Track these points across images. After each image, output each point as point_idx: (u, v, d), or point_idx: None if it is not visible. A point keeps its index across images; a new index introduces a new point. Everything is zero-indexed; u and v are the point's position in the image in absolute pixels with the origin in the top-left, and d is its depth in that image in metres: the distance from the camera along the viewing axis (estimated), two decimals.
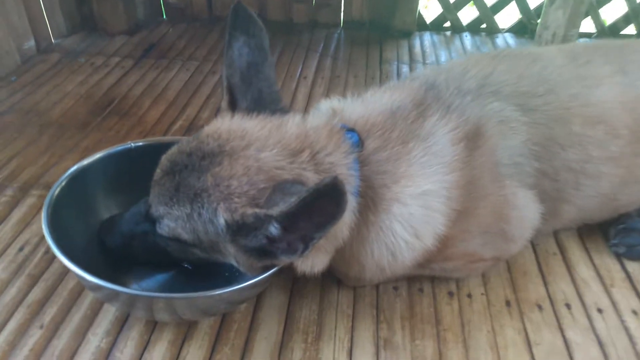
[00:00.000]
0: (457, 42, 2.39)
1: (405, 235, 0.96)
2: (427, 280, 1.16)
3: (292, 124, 0.95)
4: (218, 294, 0.90)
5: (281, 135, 0.92)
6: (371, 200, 0.94)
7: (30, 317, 1.05)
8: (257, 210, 0.82)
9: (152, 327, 1.03)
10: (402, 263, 0.99)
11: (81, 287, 1.10)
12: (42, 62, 2.05)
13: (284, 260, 0.88)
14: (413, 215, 0.95)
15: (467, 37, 2.43)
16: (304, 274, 0.96)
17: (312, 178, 0.88)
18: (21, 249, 1.20)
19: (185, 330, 1.03)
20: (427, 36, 2.43)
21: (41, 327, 1.03)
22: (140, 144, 1.21)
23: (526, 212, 1.07)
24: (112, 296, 0.95)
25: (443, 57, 2.24)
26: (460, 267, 1.12)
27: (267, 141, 0.91)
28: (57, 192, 1.05)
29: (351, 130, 0.98)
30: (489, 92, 1.07)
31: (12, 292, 1.09)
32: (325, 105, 1.11)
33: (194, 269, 1.12)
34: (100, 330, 1.03)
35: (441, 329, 1.06)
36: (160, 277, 1.13)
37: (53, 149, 1.54)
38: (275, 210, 0.78)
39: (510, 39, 2.42)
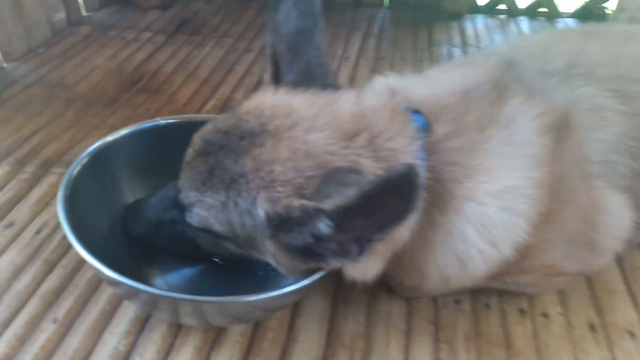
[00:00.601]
0: (512, 26, 2.20)
1: (479, 242, 0.80)
2: (494, 294, 1.01)
3: (345, 101, 0.81)
4: (254, 300, 0.76)
5: (333, 115, 0.78)
6: (439, 196, 0.79)
7: (43, 308, 0.93)
8: (304, 202, 0.68)
9: (177, 330, 0.91)
10: (473, 275, 0.84)
11: (100, 278, 0.98)
12: (72, 34, 1.94)
13: (333, 264, 0.74)
14: (490, 218, 0.79)
15: (523, 22, 2.24)
16: (354, 281, 0.82)
17: (369, 166, 0.74)
18: (38, 232, 1.09)
19: (214, 336, 0.91)
20: (479, 19, 2.24)
21: (54, 321, 0.91)
22: (171, 120, 1.08)
23: (617, 219, 0.90)
24: (132, 294, 0.83)
25: (498, 41, 2.06)
26: (537, 282, 0.95)
27: (316, 121, 0.77)
28: (76, 171, 0.93)
29: (416, 112, 0.83)
30: (578, 74, 0.91)
31: (26, 279, 0.98)
32: (381, 83, 0.96)
33: (225, 264, 0.99)
34: (118, 329, 0.90)
35: (513, 353, 0.91)
36: (187, 272, 1.00)
37: (78, 125, 1.43)
38: (327, 204, 0.64)
39: (572, 25, 2.22)
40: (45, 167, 1.27)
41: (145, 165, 1.07)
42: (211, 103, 1.57)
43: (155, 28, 2.03)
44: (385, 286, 0.99)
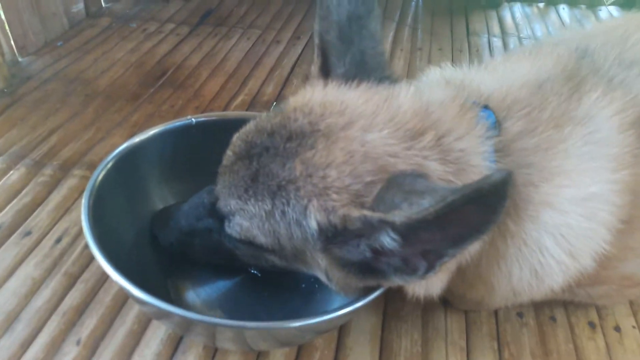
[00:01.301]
0: (552, 14, 2.07)
1: (559, 253, 0.70)
2: (559, 306, 0.91)
3: (406, 96, 0.71)
4: (306, 325, 0.67)
5: (393, 112, 0.68)
6: (512, 203, 0.69)
7: (65, 328, 0.85)
8: (366, 213, 0.58)
9: (213, 351, 0.82)
10: (547, 288, 0.74)
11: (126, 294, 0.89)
12: (91, 26, 1.86)
13: (395, 281, 0.65)
14: (571, 228, 0.69)
15: (563, 10, 2.11)
16: (415, 297, 0.72)
17: (437, 170, 0.64)
18: (58, 241, 1.00)
19: (255, 358, 0.82)
20: (517, 7, 2.12)
21: (78, 342, 0.83)
22: (204, 119, 0.99)
23: None
24: (163, 315, 0.74)
25: (538, 31, 1.94)
26: (612, 293, 0.85)
27: (374, 118, 0.67)
28: (101, 175, 0.84)
29: (485, 107, 0.73)
30: None
31: (46, 294, 0.90)
32: (436, 76, 0.86)
33: (264, 276, 0.90)
34: (149, 351, 0.82)
35: None
36: (222, 284, 0.91)
37: (99, 123, 1.34)
38: (397, 217, 0.54)
39: (615, 13, 2.09)
40: (65, 169, 1.18)
41: (176, 169, 0.98)
42: (240, 98, 1.48)
43: (178, 19, 1.94)
44: (440, 298, 0.89)
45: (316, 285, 0.90)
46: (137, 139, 0.91)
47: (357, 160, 0.63)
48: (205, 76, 1.58)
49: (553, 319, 0.89)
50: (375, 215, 0.57)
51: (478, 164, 0.67)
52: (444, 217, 0.52)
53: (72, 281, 0.92)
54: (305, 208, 0.64)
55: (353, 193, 0.62)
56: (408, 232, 0.56)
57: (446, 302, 0.90)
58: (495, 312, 0.89)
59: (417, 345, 0.84)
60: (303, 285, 0.90)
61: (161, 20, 1.93)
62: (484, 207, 0.52)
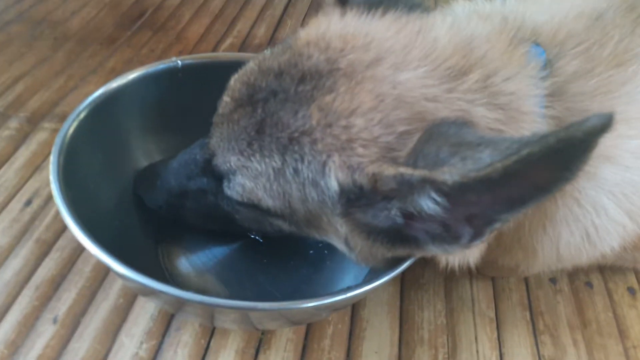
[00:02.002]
0: None
1: (618, 214, 0.60)
2: (595, 270, 0.82)
3: (443, 28, 0.59)
4: (325, 304, 0.56)
5: (430, 46, 0.56)
6: None
7: (39, 304, 0.73)
8: (404, 170, 0.47)
9: (212, 328, 0.72)
10: (598, 253, 0.65)
11: None
12: None
13: (433, 251, 0.54)
14: (634, 185, 0.59)
15: None
16: (449, 268, 0.62)
17: (485, 117, 0.53)
18: (28, 203, 0.88)
19: (259, 335, 0.72)
20: None
21: (54, 320, 0.72)
22: (191, 61, 0.85)
23: None
24: (151, 293, 0.63)
25: None
26: None
27: (407, 54, 0.55)
28: (73, 127, 0.70)
29: (534, 44, 0.61)
30: None
31: (15, 265, 0.78)
32: (465, 12, 0.72)
33: (266, 241, 0.79)
34: (137, 330, 0.71)
35: (629, 346, 0.73)
36: (218, 251, 0.80)
37: (71, 70, 1.19)
38: (449, 174, 0.43)
39: None
40: (34, 122, 1.04)
41: (161, 120, 0.85)
42: (228, 41, 1.33)
43: None
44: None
45: (325, 252, 0.79)
46: (114, 84, 0.78)
47: (389, 106, 0.52)
48: (188, 17, 1.42)
49: (589, 285, 0.80)
50: (417, 173, 0.46)
51: (530, 111, 0.56)
52: (512, 174, 0.40)
53: (45, 249, 0.80)
54: (324, 165, 0.53)
55: (383, 146, 0.51)
56: (458, 194, 0.45)
57: (469, 268, 0.80)
58: (525, 279, 0.80)
59: (441, 316, 0.75)
60: (311, 252, 0.79)
61: None
62: (560, 162, 0.40)
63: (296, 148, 0.54)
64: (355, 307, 0.75)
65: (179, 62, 0.83)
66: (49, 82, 1.15)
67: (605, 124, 0.36)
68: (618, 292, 0.79)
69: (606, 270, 0.82)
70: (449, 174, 0.43)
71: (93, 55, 1.25)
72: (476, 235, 0.50)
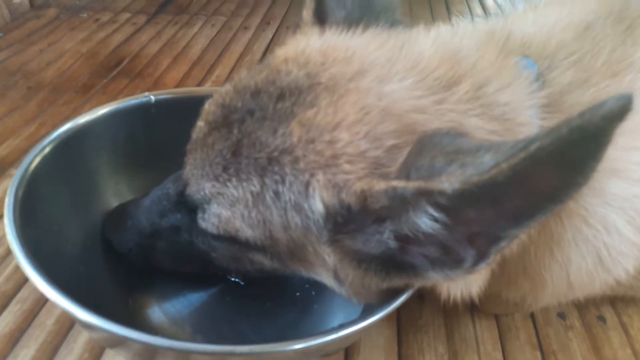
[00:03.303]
0: None
1: (630, 232, 0.55)
2: (606, 303, 0.76)
3: (427, 41, 0.55)
4: (312, 346, 0.49)
5: (415, 58, 0.52)
6: None
7: None
8: (397, 184, 0.42)
9: None
10: (612, 278, 0.59)
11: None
12: (36, 17, 1.65)
13: (433, 278, 0.48)
14: None
15: None
16: (451, 301, 0.56)
17: (481, 129, 0.49)
18: None
19: None
20: None
21: None
22: (165, 96, 0.81)
23: None
24: (117, 342, 0.55)
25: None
26: None
27: (392, 66, 0.51)
28: (35, 163, 0.65)
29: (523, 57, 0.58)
30: None
31: None
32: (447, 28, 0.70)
33: (247, 284, 0.73)
34: None
35: None
36: (195, 298, 0.73)
37: (43, 117, 1.15)
38: (448, 183, 0.38)
39: None
40: (1, 169, 0.98)
41: (133, 158, 0.80)
42: (207, 85, 1.30)
43: (133, 9, 1.74)
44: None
45: (313, 293, 0.73)
46: (82, 119, 0.73)
47: (375, 118, 0.47)
48: (166, 64, 1.39)
49: (602, 319, 0.74)
50: (412, 185, 0.41)
51: (527, 122, 0.52)
52: (520, 177, 0.36)
53: (4, 302, 0.73)
54: (307, 185, 0.47)
55: (371, 161, 0.46)
56: (459, 206, 0.40)
57: (471, 306, 0.74)
58: (532, 315, 0.74)
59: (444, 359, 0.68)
60: (297, 294, 0.73)
61: (115, 10, 1.73)
62: (572, 161, 0.36)
63: (276, 169, 0.49)
64: (348, 354, 0.68)
65: (152, 97, 0.79)
66: (20, 129, 1.10)
67: (624, 107, 0.31)
68: (634, 326, 0.73)
69: (618, 302, 0.76)
70: (448, 182, 0.38)
71: (67, 102, 1.21)
72: (480, 257, 0.44)
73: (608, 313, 0.75)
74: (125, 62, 1.40)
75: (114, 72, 1.35)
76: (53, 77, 1.31)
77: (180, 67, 1.38)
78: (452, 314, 0.73)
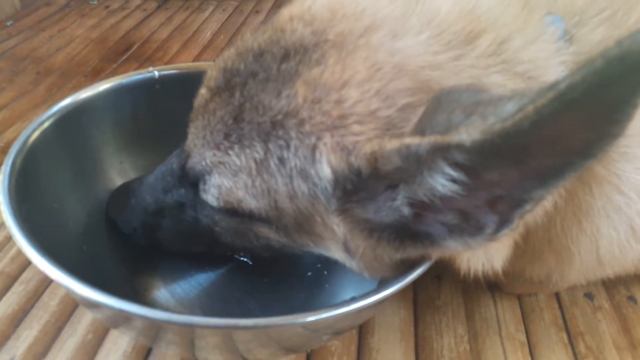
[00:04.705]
0: None
1: None
2: (636, 282, 0.71)
3: None
4: (323, 319, 0.46)
5: (431, 12, 0.48)
6: None
7: None
8: (409, 140, 0.38)
9: None
10: None
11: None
12: (46, 5, 1.64)
13: (452, 247, 0.44)
14: None
15: None
16: (471, 273, 0.52)
17: (503, 86, 0.45)
18: None
19: None
20: None
21: None
22: (169, 72, 0.78)
23: None
24: (120, 320, 0.53)
25: None
26: None
27: (406, 21, 0.47)
28: (34, 137, 0.63)
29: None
30: None
31: None
32: None
33: (256, 264, 0.70)
34: None
35: None
36: (202, 279, 0.70)
37: (51, 101, 1.13)
38: (467, 133, 0.34)
39: None
40: (7, 152, 0.96)
41: (138, 135, 0.77)
42: None
43: None
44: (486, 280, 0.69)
45: (325, 272, 0.70)
46: (83, 94, 0.70)
47: (387, 75, 0.44)
48: (177, 49, 1.37)
49: (632, 299, 0.69)
50: (426, 141, 0.37)
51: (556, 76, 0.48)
52: (548, 124, 0.32)
53: (8, 283, 0.71)
54: (314, 149, 0.44)
55: (383, 121, 0.43)
56: (479, 164, 0.36)
57: (492, 286, 0.70)
58: (557, 295, 0.70)
59: (463, 342, 0.64)
60: (309, 274, 0.70)
61: None
62: (606, 106, 0.31)
63: (280, 133, 0.45)
64: (362, 334, 0.65)
65: (156, 72, 0.76)
66: (28, 113, 1.08)
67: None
68: None
69: None
70: (466, 133, 0.34)
71: (76, 86, 1.19)
72: (502, 223, 0.40)
73: (639, 293, 0.70)
74: (135, 47, 1.38)
75: (124, 57, 1.33)
76: (62, 63, 1.30)
77: (191, 51, 1.36)
78: (471, 293, 0.69)
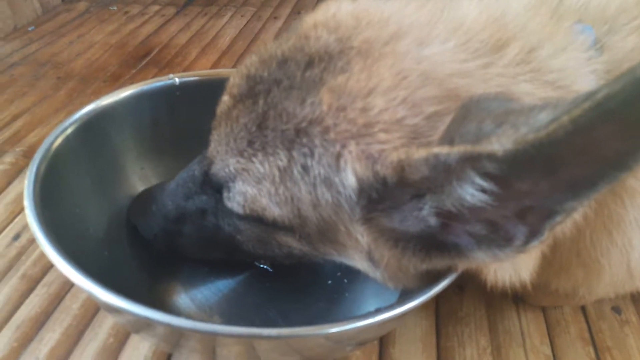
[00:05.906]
0: None
1: None
2: None
3: (470, 3, 0.51)
4: (344, 331, 0.45)
5: (458, 20, 0.48)
6: None
7: (18, 346, 0.63)
8: (439, 150, 0.37)
9: None
10: None
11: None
12: (67, 11, 1.66)
13: (480, 258, 0.43)
14: None
15: None
16: (498, 285, 0.51)
17: (532, 95, 0.44)
18: (16, 238, 0.79)
19: None
20: None
21: None
22: (190, 78, 0.78)
23: None
24: (141, 325, 0.53)
25: None
26: None
27: (432, 29, 0.47)
28: (57, 144, 0.63)
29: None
30: None
31: None
32: None
33: (276, 271, 0.69)
34: None
35: None
36: (223, 285, 0.70)
37: (72, 106, 1.14)
38: (500, 143, 0.33)
39: None
40: (29, 156, 0.97)
41: (158, 141, 0.77)
42: None
43: (163, 1, 1.73)
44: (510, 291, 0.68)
45: (345, 281, 0.69)
46: (105, 101, 0.71)
47: (413, 83, 0.43)
48: (195, 54, 1.37)
49: None
50: (456, 150, 0.36)
51: (584, 90, 0.46)
52: (584, 134, 0.31)
53: (31, 285, 0.71)
54: (338, 157, 0.43)
55: (409, 130, 0.42)
56: (511, 174, 0.35)
57: (516, 297, 0.69)
58: (583, 308, 0.68)
59: (486, 354, 0.63)
60: (329, 282, 0.69)
61: (144, 3, 1.73)
62: (636, 121, 0.30)
63: (304, 141, 0.45)
64: (383, 344, 0.64)
65: (177, 79, 0.76)
66: (49, 118, 1.09)
67: None
68: None
69: None
70: (498, 143, 0.33)
71: (96, 92, 1.20)
72: (532, 234, 0.39)
73: None
74: (154, 53, 1.39)
75: (143, 62, 1.34)
76: (82, 68, 1.31)
77: (209, 56, 1.36)
78: (495, 305, 0.68)
